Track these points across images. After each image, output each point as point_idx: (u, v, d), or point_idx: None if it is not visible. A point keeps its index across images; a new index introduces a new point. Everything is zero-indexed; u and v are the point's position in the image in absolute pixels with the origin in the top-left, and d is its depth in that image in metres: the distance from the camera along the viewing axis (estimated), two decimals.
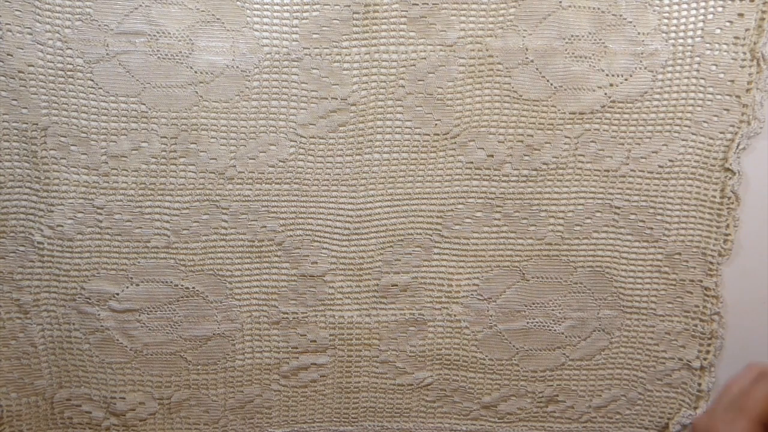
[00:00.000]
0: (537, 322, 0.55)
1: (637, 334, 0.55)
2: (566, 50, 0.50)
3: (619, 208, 0.53)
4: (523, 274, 0.54)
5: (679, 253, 0.53)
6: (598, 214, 0.53)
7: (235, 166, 0.50)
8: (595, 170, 0.52)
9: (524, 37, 0.50)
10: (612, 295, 0.54)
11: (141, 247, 0.50)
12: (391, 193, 0.52)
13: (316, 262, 0.52)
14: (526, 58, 0.50)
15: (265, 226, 0.51)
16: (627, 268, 0.54)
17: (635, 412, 0.57)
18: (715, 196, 0.52)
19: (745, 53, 0.50)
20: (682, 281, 0.54)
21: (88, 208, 0.49)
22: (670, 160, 0.52)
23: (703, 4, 0.49)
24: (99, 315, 0.51)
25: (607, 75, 0.50)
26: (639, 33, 0.50)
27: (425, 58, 0.49)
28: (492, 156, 0.51)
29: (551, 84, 0.50)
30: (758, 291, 0.55)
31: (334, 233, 0.52)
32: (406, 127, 0.50)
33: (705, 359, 0.55)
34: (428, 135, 0.51)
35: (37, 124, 0.48)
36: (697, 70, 0.50)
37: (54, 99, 0.48)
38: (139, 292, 0.51)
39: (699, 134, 0.51)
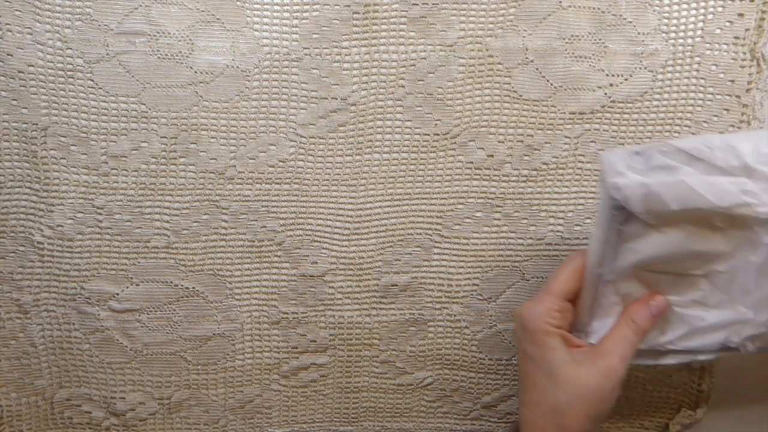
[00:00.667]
0: None
1: None
2: (566, 50, 0.50)
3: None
4: (523, 274, 0.54)
5: None
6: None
7: (235, 166, 0.50)
8: (595, 170, 0.52)
9: (524, 37, 0.50)
10: None
11: (141, 247, 0.50)
12: (391, 193, 0.52)
13: (316, 262, 0.52)
14: (526, 58, 0.50)
15: (265, 226, 0.51)
16: None
17: (635, 412, 0.57)
18: None
19: (745, 53, 0.50)
20: None
21: (88, 208, 0.49)
22: None
23: (703, 4, 0.49)
24: (99, 315, 0.51)
25: (607, 75, 0.50)
26: (639, 33, 0.50)
27: (425, 58, 0.49)
28: (492, 156, 0.51)
29: (551, 84, 0.50)
30: None
31: (334, 233, 0.52)
32: (406, 127, 0.50)
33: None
34: (428, 135, 0.51)
35: (37, 124, 0.48)
36: (697, 70, 0.50)
37: (54, 99, 0.48)
38: (139, 292, 0.51)
39: (699, 134, 0.51)
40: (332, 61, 0.49)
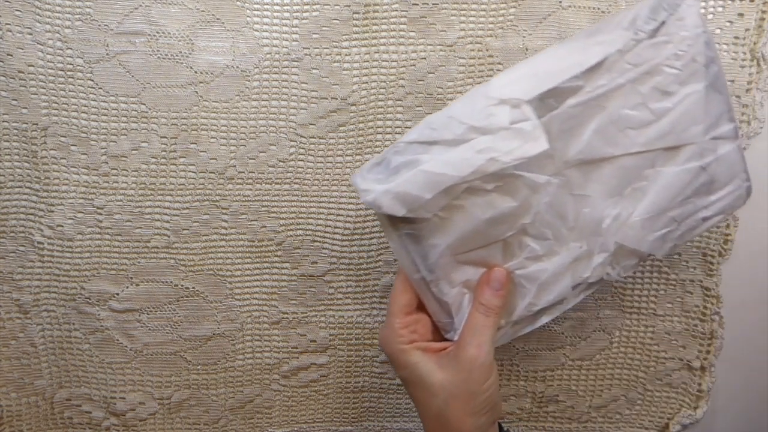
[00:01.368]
0: None
1: (637, 334, 0.55)
2: None
3: None
4: None
5: (679, 254, 0.53)
6: None
7: (235, 166, 0.50)
8: None
9: (524, 37, 0.50)
10: (612, 295, 0.54)
11: (141, 247, 0.50)
12: None
13: (316, 262, 0.52)
14: (526, 57, 0.50)
15: (265, 226, 0.51)
16: None
17: (635, 412, 0.57)
18: None
19: (745, 53, 0.50)
20: (682, 281, 0.54)
21: (88, 208, 0.49)
22: None
23: (703, 4, 0.49)
24: (99, 315, 0.51)
25: None
26: None
27: (425, 58, 0.49)
28: None
29: None
30: (758, 291, 0.55)
31: (335, 233, 0.52)
32: (406, 127, 0.50)
33: (705, 359, 0.55)
34: None
35: (37, 124, 0.48)
36: None
37: (54, 99, 0.48)
38: (139, 292, 0.51)
39: None
40: (332, 61, 0.49)
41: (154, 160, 0.49)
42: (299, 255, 0.52)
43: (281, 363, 0.54)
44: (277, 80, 0.49)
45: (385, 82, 0.50)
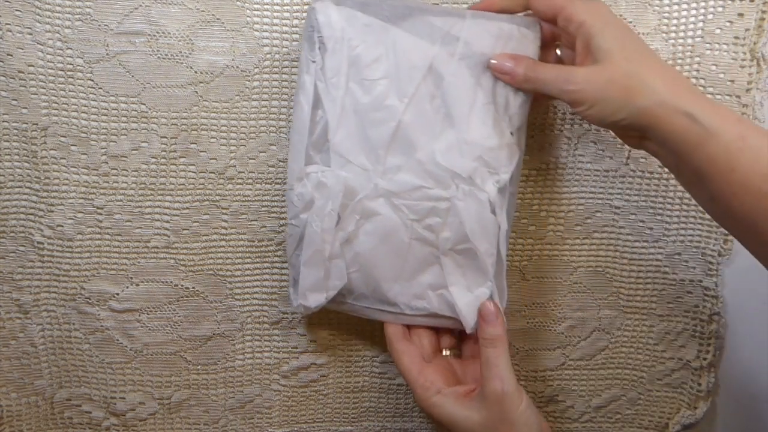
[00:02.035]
0: (537, 322, 0.55)
1: (637, 334, 0.55)
2: None
3: (619, 208, 0.53)
4: (523, 274, 0.54)
5: (679, 253, 0.53)
6: (598, 214, 0.53)
7: (235, 166, 0.50)
8: (595, 170, 0.52)
9: None
10: (612, 295, 0.54)
11: (141, 247, 0.50)
12: None
13: None
14: None
15: (265, 226, 0.51)
16: (627, 268, 0.54)
17: (635, 412, 0.57)
18: None
19: (745, 53, 0.50)
20: (682, 281, 0.54)
21: (88, 208, 0.49)
22: None
23: (703, 4, 0.49)
24: (99, 315, 0.51)
25: None
26: (639, 33, 0.50)
27: None
28: None
29: None
30: (758, 291, 0.55)
31: None
32: None
33: (705, 359, 0.55)
34: None
35: (37, 124, 0.48)
36: (697, 70, 0.50)
37: (54, 99, 0.48)
38: (139, 292, 0.51)
39: None
40: None
41: (154, 160, 0.49)
42: None
43: (281, 363, 0.54)
44: (277, 80, 0.49)
45: None
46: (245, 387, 0.54)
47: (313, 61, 0.44)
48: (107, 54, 0.47)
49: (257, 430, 0.55)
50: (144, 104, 0.48)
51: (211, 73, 0.48)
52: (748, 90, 0.50)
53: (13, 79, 0.47)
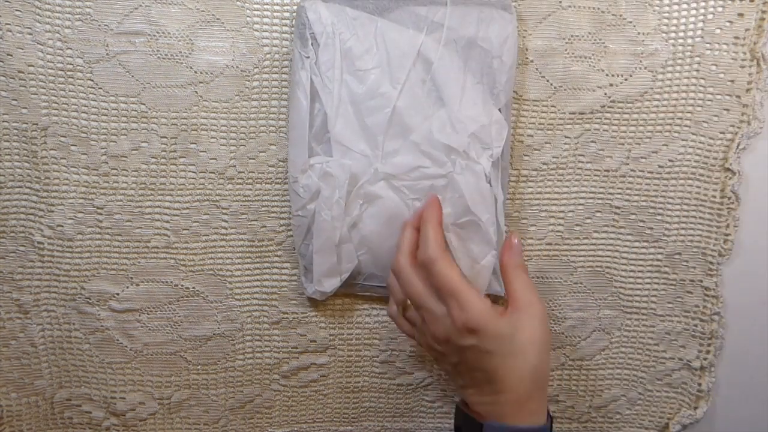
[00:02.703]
0: None
1: (637, 334, 0.55)
2: (566, 50, 0.50)
3: (619, 208, 0.53)
4: None
5: (679, 253, 0.53)
6: (598, 214, 0.53)
7: (235, 166, 0.50)
8: (595, 170, 0.52)
9: (524, 37, 0.50)
10: (612, 295, 0.54)
11: (141, 247, 0.50)
12: None
13: None
14: (526, 58, 0.50)
15: (265, 226, 0.51)
16: (627, 268, 0.54)
17: (635, 412, 0.57)
18: (715, 196, 0.52)
19: (745, 53, 0.50)
20: (682, 281, 0.54)
21: (88, 208, 0.49)
22: (670, 160, 0.52)
23: (703, 4, 0.49)
24: (99, 315, 0.51)
25: (607, 75, 0.50)
26: (639, 33, 0.50)
27: None
28: None
29: (551, 84, 0.50)
30: (758, 291, 0.55)
31: None
32: None
33: (705, 359, 0.55)
34: None
35: (37, 124, 0.48)
36: (697, 70, 0.50)
37: (54, 99, 0.48)
38: (139, 292, 0.51)
39: (699, 134, 0.51)
40: None
41: (154, 160, 0.49)
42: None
43: (281, 363, 0.54)
44: (276, 80, 0.49)
45: None
46: (245, 387, 0.54)
47: (307, 57, 0.46)
48: (107, 54, 0.47)
49: (257, 430, 0.55)
50: (144, 104, 0.48)
51: (211, 73, 0.48)
52: (748, 90, 0.50)
53: (13, 79, 0.47)
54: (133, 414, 0.53)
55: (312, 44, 0.46)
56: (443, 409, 0.56)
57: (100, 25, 0.47)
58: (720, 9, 0.50)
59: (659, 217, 0.53)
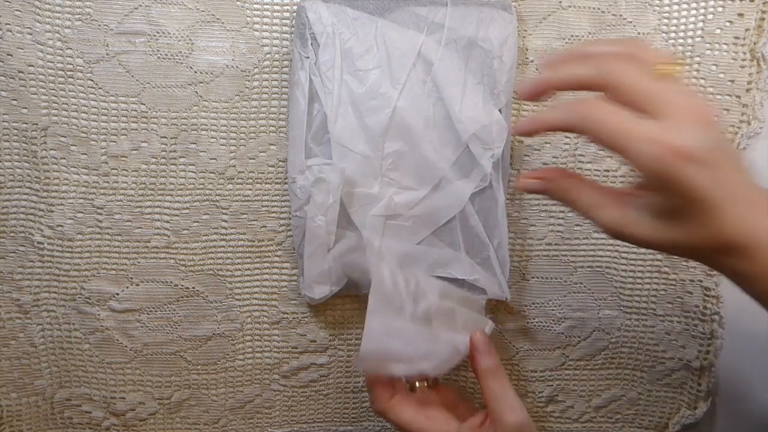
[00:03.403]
0: (537, 322, 0.55)
1: (637, 334, 0.55)
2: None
3: None
4: (523, 274, 0.54)
5: None
6: None
7: (235, 166, 0.50)
8: (595, 170, 0.52)
9: (524, 37, 0.50)
10: (612, 295, 0.54)
11: (141, 247, 0.50)
12: None
13: None
14: (526, 58, 0.50)
15: (265, 226, 0.51)
16: (627, 268, 0.54)
17: (635, 412, 0.57)
18: None
19: (745, 53, 0.50)
20: (682, 281, 0.54)
21: (88, 208, 0.49)
22: None
23: (703, 4, 0.49)
24: (99, 315, 0.51)
25: None
26: (639, 33, 0.50)
27: None
28: None
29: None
30: None
31: None
32: None
33: (705, 359, 0.55)
34: None
35: (37, 124, 0.48)
36: (697, 70, 0.50)
37: (54, 99, 0.48)
38: (139, 292, 0.51)
39: None
40: None
41: (154, 160, 0.49)
42: None
43: (281, 363, 0.54)
44: (276, 80, 0.49)
45: None
46: (245, 387, 0.54)
47: (307, 57, 0.46)
48: (107, 54, 0.47)
49: (257, 430, 0.55)
50: (144, 104, 0.48)
51: (211, 73, 0.48)
52: (748, 90, 0.50)
53: (13, 79, 0.47)
54: (133, 414, 0.53)
55: (312, 44, 0.46)
56: None
57: (100, 25, 0.47)
58: (720, 9, 0.50)
59: None
